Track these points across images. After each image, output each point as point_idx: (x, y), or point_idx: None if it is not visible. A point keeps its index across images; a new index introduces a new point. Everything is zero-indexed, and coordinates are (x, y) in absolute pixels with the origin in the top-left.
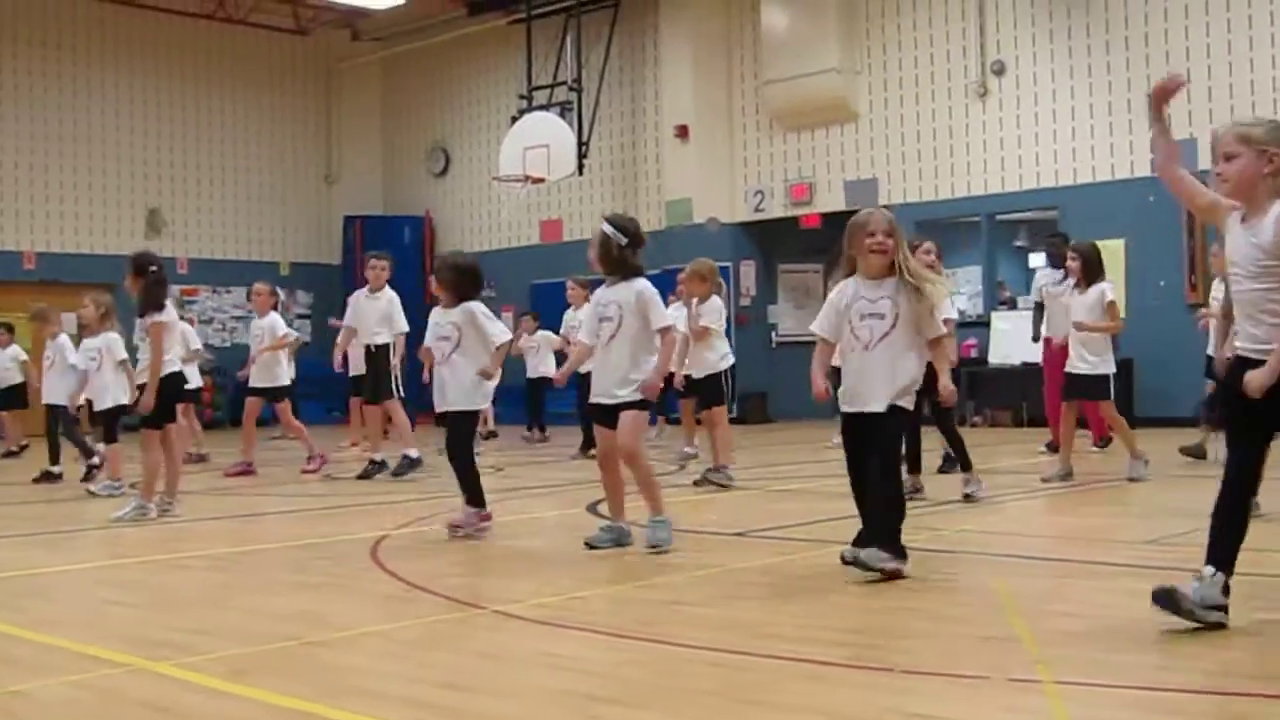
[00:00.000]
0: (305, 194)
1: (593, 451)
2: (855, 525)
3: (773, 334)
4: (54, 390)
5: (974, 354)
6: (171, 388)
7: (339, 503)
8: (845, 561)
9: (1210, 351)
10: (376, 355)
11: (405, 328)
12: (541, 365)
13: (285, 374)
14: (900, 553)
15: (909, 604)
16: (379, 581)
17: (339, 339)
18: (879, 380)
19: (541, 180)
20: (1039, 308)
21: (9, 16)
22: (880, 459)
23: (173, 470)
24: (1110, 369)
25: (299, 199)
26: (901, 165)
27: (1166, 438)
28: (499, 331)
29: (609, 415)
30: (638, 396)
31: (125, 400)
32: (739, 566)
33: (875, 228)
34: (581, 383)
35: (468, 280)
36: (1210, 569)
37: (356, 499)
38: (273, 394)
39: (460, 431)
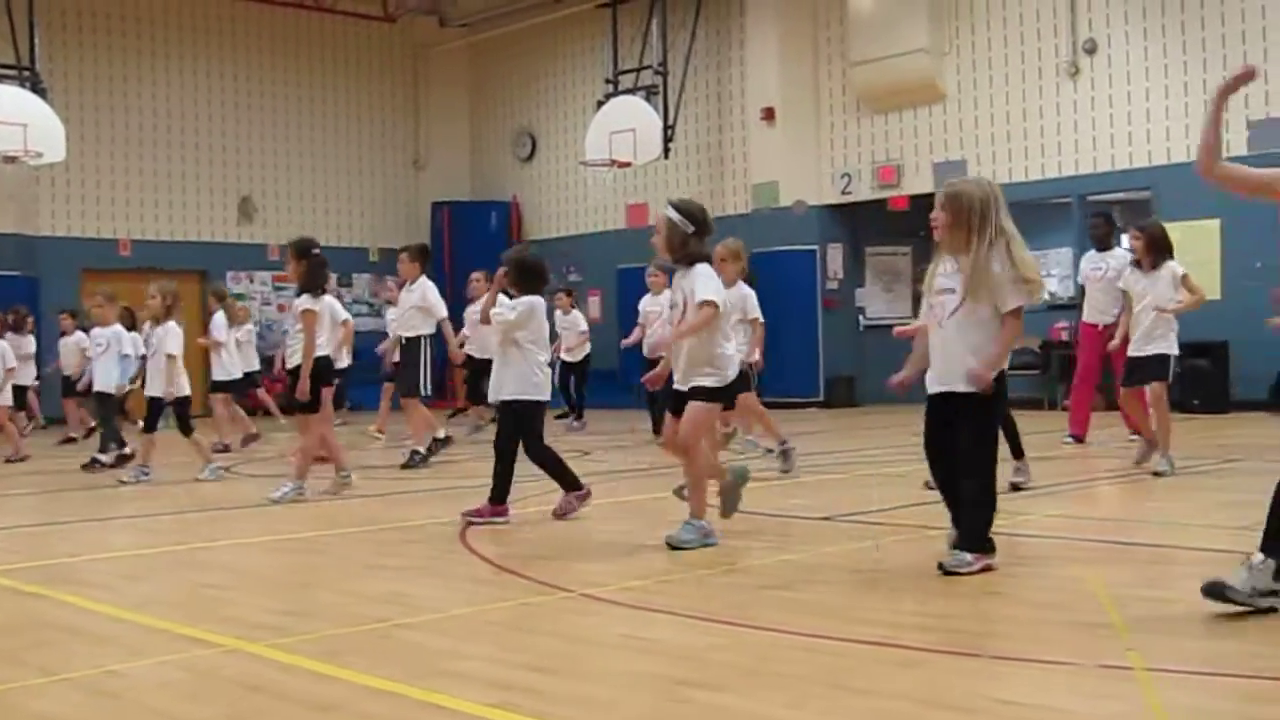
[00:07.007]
0: (394, 180)
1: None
2: (941, 511)
3: (860, 317)
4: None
5: (1064, 336)
6: (319, 372)
7: (427, 486)
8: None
9: None
10: None
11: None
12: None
13: None
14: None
15: (997, 589)
16: (468, 564)
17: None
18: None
19: (628, 164)
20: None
21: (101, 8)
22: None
23: (334, 449)
24: (1172, 349)
25: (388, 185)
26: (991, 146)
27: (1263, 422)
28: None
29: (683, 402)
30: (710, 383)
31: (159, 394)
32: (827, 550)
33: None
34: (644, 367)
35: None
36: (1260, 556)
37: (444, 482)
38: None
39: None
